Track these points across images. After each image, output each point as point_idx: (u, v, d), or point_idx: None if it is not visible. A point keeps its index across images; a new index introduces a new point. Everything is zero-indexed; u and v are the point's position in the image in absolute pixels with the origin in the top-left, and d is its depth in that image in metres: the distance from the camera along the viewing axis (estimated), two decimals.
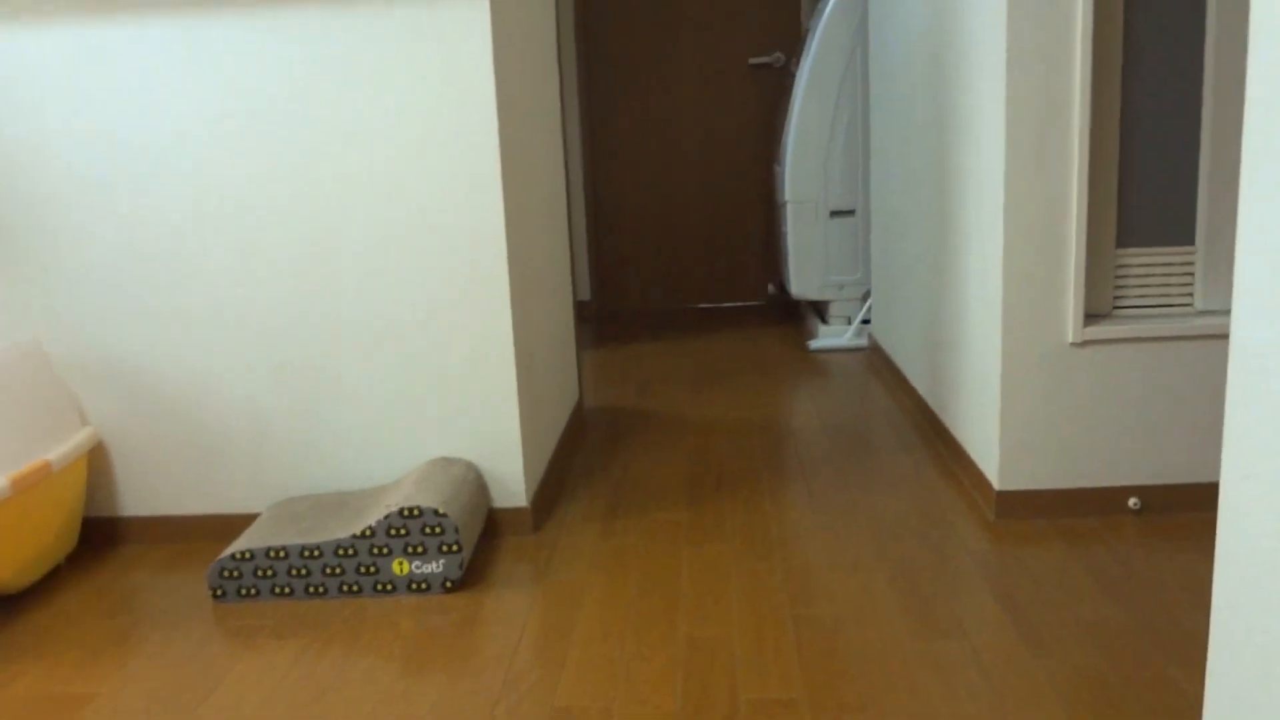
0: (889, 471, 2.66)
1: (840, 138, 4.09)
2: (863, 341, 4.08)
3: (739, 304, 5.10)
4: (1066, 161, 2.15)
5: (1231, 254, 2.22)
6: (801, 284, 4.21)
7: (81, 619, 2.09)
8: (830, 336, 4.16)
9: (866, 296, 4.19)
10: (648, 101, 4.97)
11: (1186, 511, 2.29)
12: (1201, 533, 2.19)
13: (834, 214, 4.16)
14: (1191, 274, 2.24)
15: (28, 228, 2.32)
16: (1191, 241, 2.23)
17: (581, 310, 5.06)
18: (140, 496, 2.44)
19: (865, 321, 4.17)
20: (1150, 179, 2.21)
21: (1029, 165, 2.16)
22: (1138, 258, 2.24)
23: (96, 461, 2.42)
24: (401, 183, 2.24)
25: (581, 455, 2.94)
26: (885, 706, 1.63)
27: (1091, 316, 2.25)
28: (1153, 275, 2.25)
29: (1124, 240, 2.24)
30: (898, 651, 1.79)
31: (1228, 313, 2.24)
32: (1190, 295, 2.26)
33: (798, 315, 4.85)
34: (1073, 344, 2.22)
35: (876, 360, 3.82)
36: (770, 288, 4.69)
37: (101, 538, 2.46)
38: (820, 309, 4.46)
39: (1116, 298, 2.26)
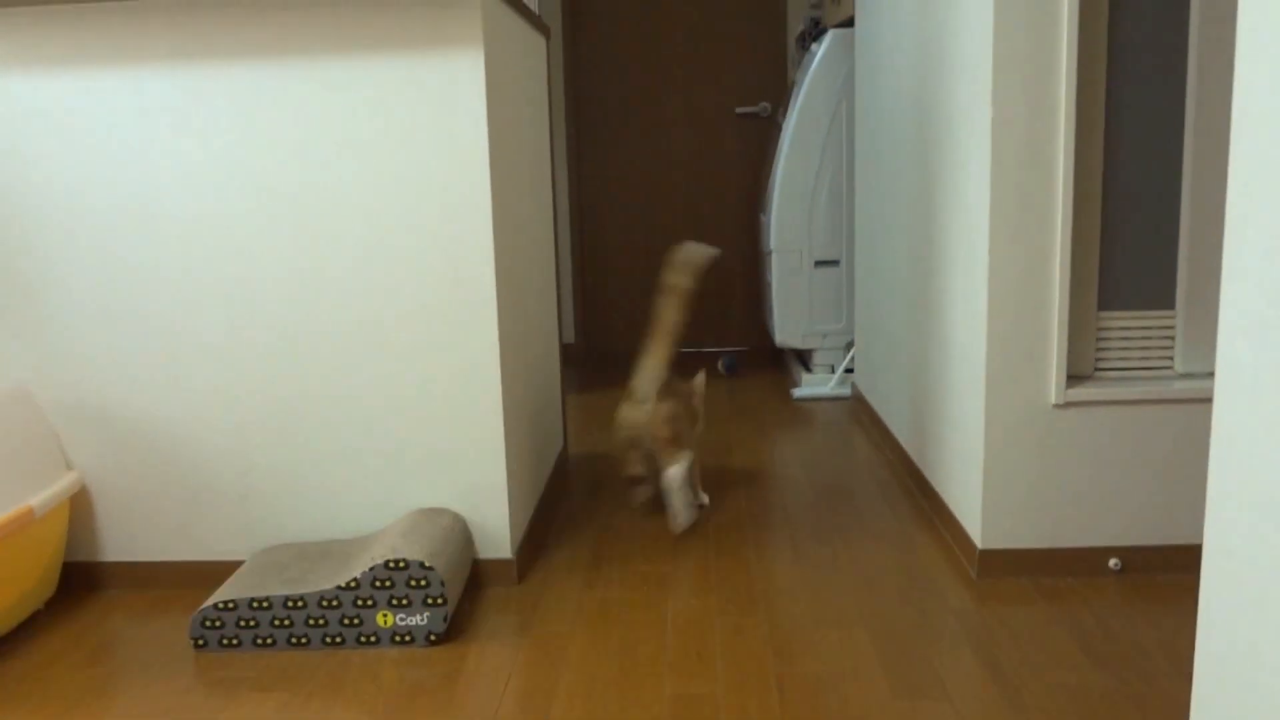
0: (872, 525, 2.68)
1: (825, 188, 4.14)
2: (846, 391, 4.11)
3: (723, 349, 5.12)
4: (1050, 224, 2.19)
5: (1211, 318, 2.26)
6: (785, 332, 4.24)
7: (61, 666, 2.07)
8: (814, 385, 4.18)
9: (850, 346, 4.22)
10: (635, 148, 5.02)
11: (1167, 573, 2.31)
12: (1181, 595, 2.21)
13: (818, 263, 4.20)
14: (1172, 337, 2.28)
15: (17, 272, 2.32)
16: (1172, 306, 2.26)
17: (566, 353, 5.08)
18: (122, 542, 2.42)
19: (849, 370, 4.20)
20: (1132, 243, 2.25)
21: (1012, 227, 2.20)
22: (1119, 320, 2.28)
23: (79, 506, 2.41)
24: (391, 232, 2.25)
25: (566, 504, 2.94)
26: None
27: (1074, 378, 2.29)
28: (1133, 338, 2.29)
29: (1106, 303, 2.27)
30: (881, 712, 1.79)
31: (1207, 376, 2.27)
32: (1170, 358, 2.29)
33: (780, 362, 4.87)
34: (1055, 405, 2.25)
35: (859, 410, 3.85)
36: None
37: (82, 582, 2.44)
38: (804, 357, 4.49)
39: (1098, 360, 2.29)
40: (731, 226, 5.05)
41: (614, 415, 3.29)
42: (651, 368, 2.64)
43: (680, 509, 2.62)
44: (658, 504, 2.86)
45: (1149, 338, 2.29)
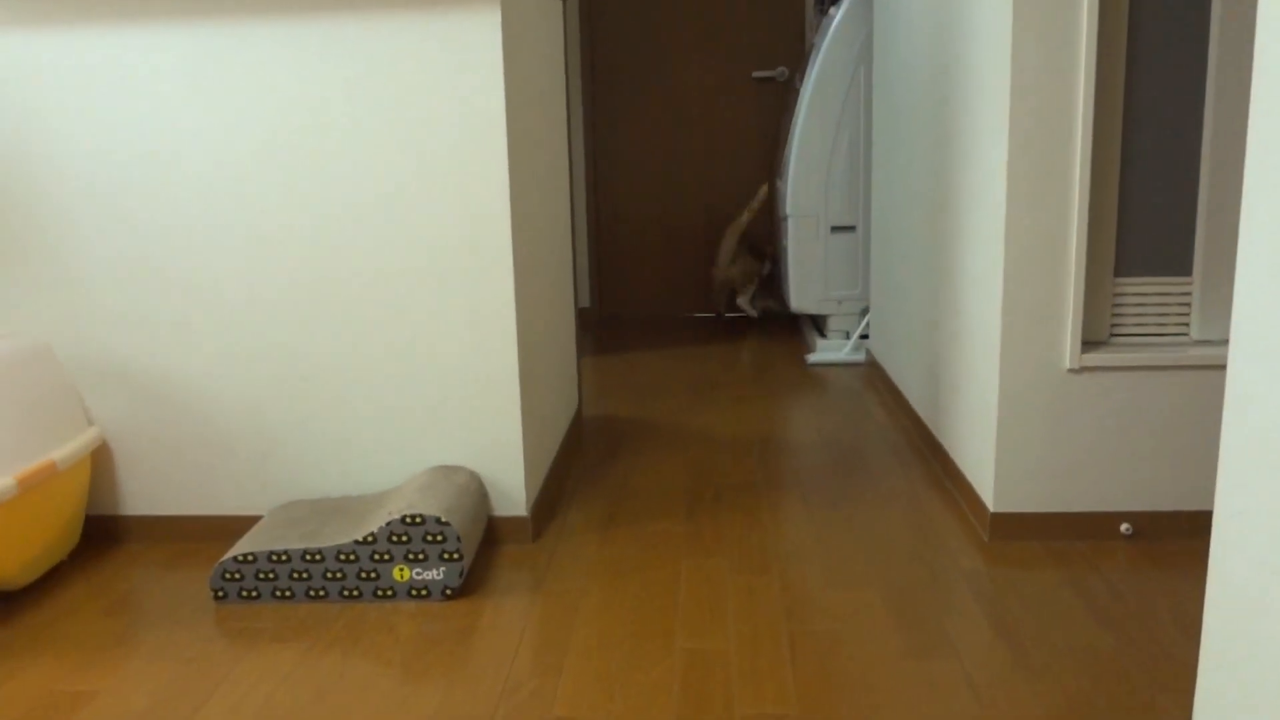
0: (885, 488, 2.69)
1: (842, 153, 4.13)
2: (860, 357, 4.11)
3: (737, 315, 5.13)
4: (1067, 189, 2.19)
5: (1228, 285, 2.25)
6: (801, 298, 4.24)
7: (83, 617, 2.10)
8: (828, 351, 4.19)
9: (865, 312, 4.22)
10: (651, 111, 5.00)
11: (1177, 539, 2.32)
12: (1191, 560, 2.22)
13: (835, 229, 4.20)
14: (1188, 304, 2.28)
15: (40, 231, 2.34)
16: (1189, 272, 2.26)
17: (581, 317, 5.09)
18: (142, 496, 2.46)
19: (863, 336, 4.20)
20: (1149, 209, 2.24)
21: (1030, 192, 2.19)
22: (1135, 287, 2.28)
23: (100, 461, 2.44)
24: (407, 191, 2.26)
25: (580, 464, 2.97)
26: None
27: (1088, 344, 2.29)
28: (1149, 304, 2.29)
29: (1122, 269, 2.27)
30: (891, 670, 1.81)
31: (1223, 343, 2.27)
32: (1186, 325, 2.29)
33: (795, 328, 4.88)
34: (1070, 370, 2.25)
35: (874, 376, 3.86)
36: (752, 307, 5.08)
37: (103, 536, 2.48)
38: (819, 323, 4.49)
39: (1113, 326, 2.29)
40: (748, 191, 5.04)
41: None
42: (727, 247, 4.86)
43: (749, 309, 4.98)
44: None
45: (1165, 304, 2.28)
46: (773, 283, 4.94)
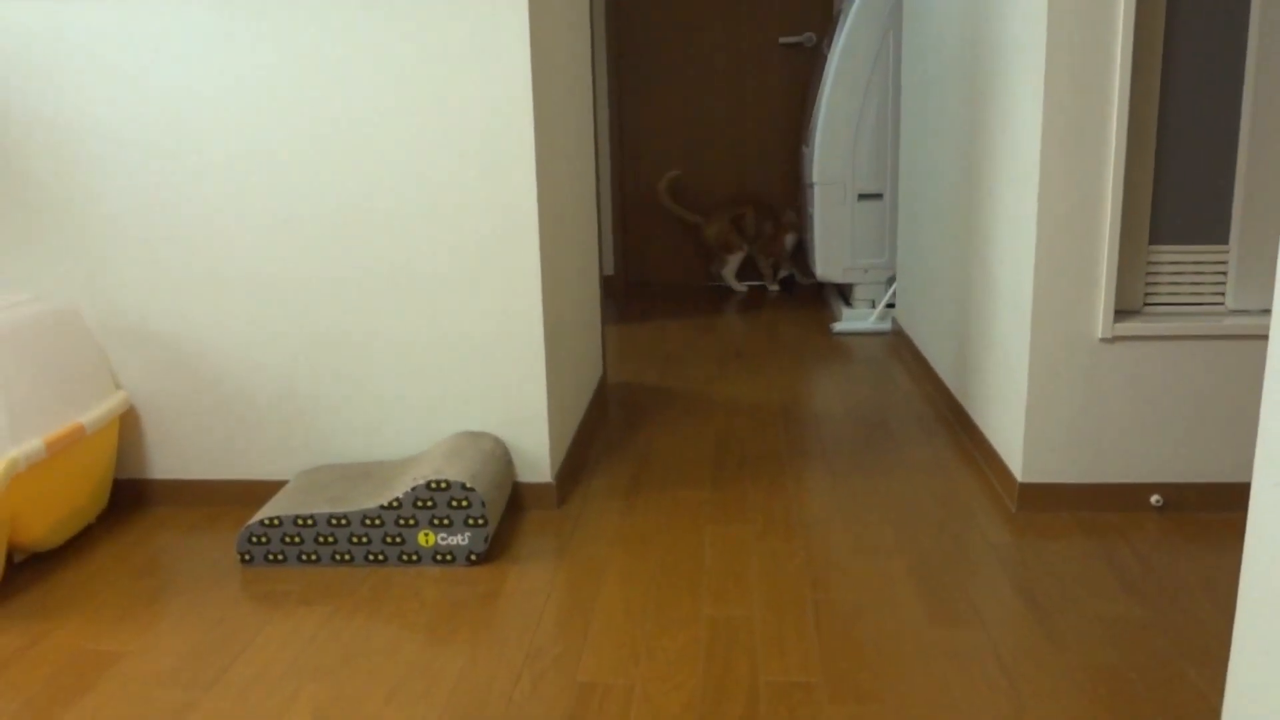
0: (911, 458, 2.67)
1: (870, 120, 4.08)
2: (886, 326, 4.08)
3: (761, 283, 5.10)
4: (1103, 156, 2.15)
5: (1265, 254, 2.21)
6: (826, 266, 4.21)
7: (112, 578, 2.12)
8: (854, 319, 4.16)
9: (892, 280, 4.19)
10: (677, 78, 4.95)
11: (1209, 511, 2.30)
12: (1224, 533, 2.19)
13: (862, 197, 4.15)
14: (1224, 273, 2.24)
15: (70, 195, 2.34)
16: (1225, 240, 2.22)
17: (606, 284, 5.07)
18: (170, 460, 2.47)
19: (890, 305, 4.17)
20: (1186, 176, 2.20)
21: (1064, 158, 2.15)
22: (1170, 255, 2.24)
23: (127, 425, 2.46)
24: (432, 154, 2.25)
25: (604, 431, 2.96)
26: (902, 694, 1.65)
27: (1122, 313, 2.25)
28: (1184, 273, 2.25)
29: (1157, 237, 2.23)
30: (916, 639, 1.81)
31: (1259, 313, 2.23)
32: (1222, 294, 2.25)
33: (820, 297, 4.84)
34: (1102, 339, 2.22)
35: (900, 345, 3.83)
36: (778, 283, 4.91)
37: (131, 499, 2.50)
38: (844, 292, 4.46)
39: (1147, 295, 2.26)
40: (774, 158, 4.99)
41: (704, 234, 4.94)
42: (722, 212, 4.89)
43: (734, 284, 4.99)
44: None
45: (1201, 273, 2.25)
46: (799, 252, 4.90)
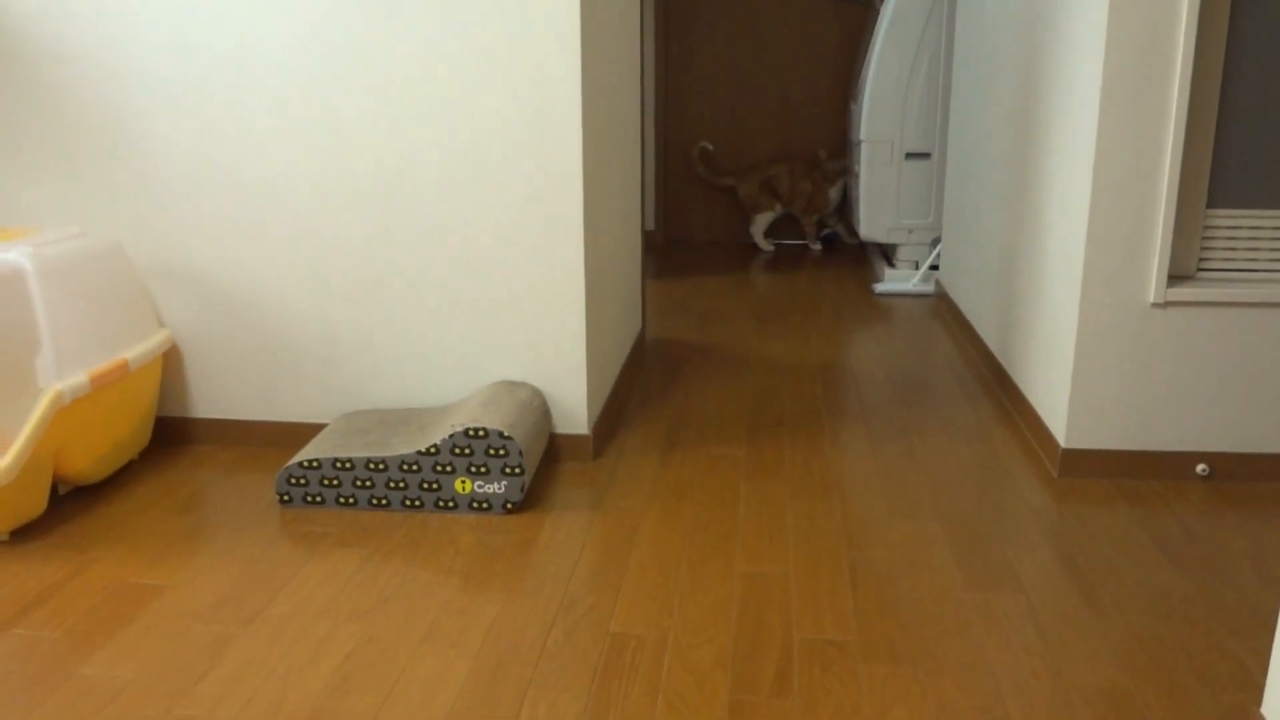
0: (951, 421, 2.64)
1: (921, 77, 4.00)
2: (929, 288, 4.03)
3: (802, 242, 5.05)
4: (1163, 115, 2.09)
5: None
6: (870, 225, 4.15)
7: (153, 514, 2.15)
8: (896, 281, 4.11)
9: (936, 242, 4.13)
10: (725, 34, 4.88)
11: (1257, 481, 2.25)
12: (1271, 504, 2.15)
13: (909, 156, 4.09)
14: None
15: (115, 133, 2.35)
16: None
17: (647, 239, 5.04)
18: (211, 399, 2.49)
19: (933, 267, 4.11)
20: (1248, 138, 2.14)
21: (1123, 117, 2.10)
22: (1227, 219, 2.18)
23: (170, 363, 2.48)
24: (480, 105, 2.23)
25: (642, 385, 2.95)
26: (937, 656, 1.63)
27: (1175, 278, 2.20)
28: (1241, 238, 2.19)
29: (1215, 200, 2.17)
30: (953, 601, 1.79)
31: None
32: (1279, 261, 2.19)
33: (862, 258, 4.79)
34: (1154, 305, 2.17)
35: (942, 307, 3.78)
36: (817, 242, 4.78)
37: (173, 436, 2.52)
38: (887, 252, 4.40)
39: (1202, 260, 2.21)
40: (821, 114, 4.92)
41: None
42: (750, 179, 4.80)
43: (762, 243, 4.90)
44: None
45: (1258, 238, 2.19)
46: (844, 206, 4.84)
